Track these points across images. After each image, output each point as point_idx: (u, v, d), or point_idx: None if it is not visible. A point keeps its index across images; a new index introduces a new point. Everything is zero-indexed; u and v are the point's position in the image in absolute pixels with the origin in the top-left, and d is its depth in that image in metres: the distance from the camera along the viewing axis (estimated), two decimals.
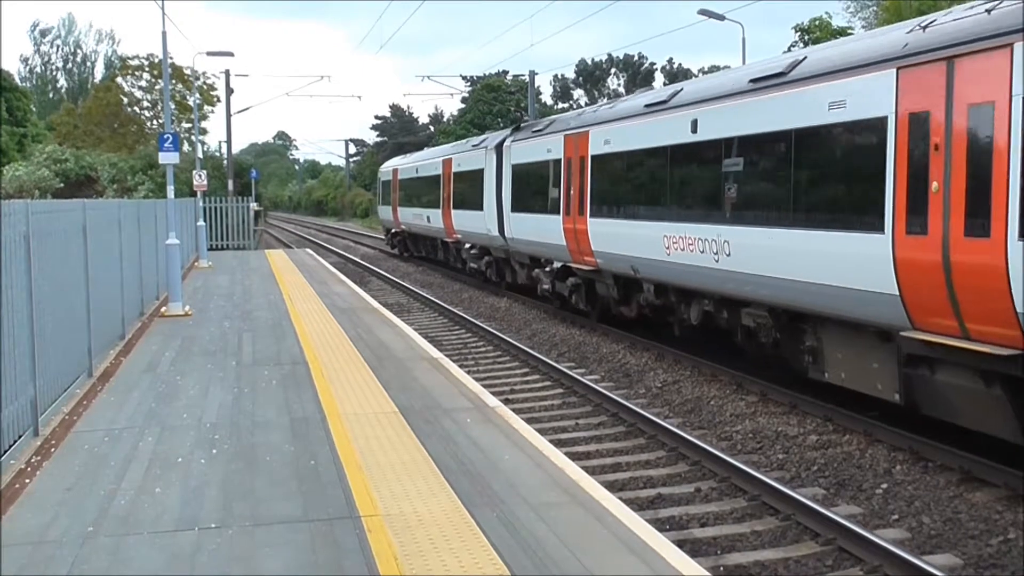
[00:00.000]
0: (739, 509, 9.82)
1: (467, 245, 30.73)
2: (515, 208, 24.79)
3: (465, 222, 30.23)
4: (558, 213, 21.13)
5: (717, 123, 14.65)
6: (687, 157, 15.85)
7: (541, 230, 22.49)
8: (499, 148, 26.65)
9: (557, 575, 6.20)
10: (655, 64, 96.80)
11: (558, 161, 21.37)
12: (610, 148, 18.70)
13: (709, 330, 16.36)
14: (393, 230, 46.32)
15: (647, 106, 17.65)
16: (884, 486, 10.30)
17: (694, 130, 15.41)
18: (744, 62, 33.03)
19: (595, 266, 19.50)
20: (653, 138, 17.02)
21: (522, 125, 26.98)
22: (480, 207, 27.86)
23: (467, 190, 29.94)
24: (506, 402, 12.55)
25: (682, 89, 16.94)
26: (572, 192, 20.41)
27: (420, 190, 37.87)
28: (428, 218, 35.70)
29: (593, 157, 19.37)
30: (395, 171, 44.38)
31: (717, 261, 14.48)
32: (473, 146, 30.43)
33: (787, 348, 13.66)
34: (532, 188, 23.58)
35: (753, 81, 13.83)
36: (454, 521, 7.17)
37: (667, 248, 16.08)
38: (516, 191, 24.84)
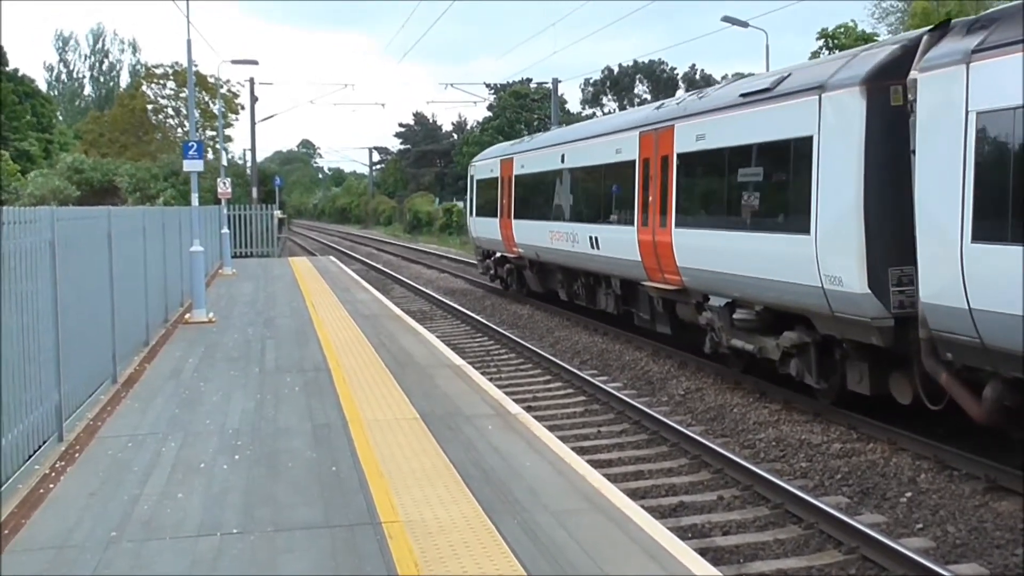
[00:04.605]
0: (762, 517, 9.77)
1: (718, 302, 15.53)
2: None
3: (724, 256, 15.00)
4: None
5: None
6: None
7: None
8: (882, 79, 11.67)
9: None
10: (676, 71, 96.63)
11: None
12: None
13: None
14: (500, 254, 29.99)
15: None
16: (908, 495, 10.22)
17: None
18: (768, 69, 32.91)
19: None
20: None
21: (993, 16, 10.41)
22: (791, 224, 13.16)
23: (738, 190, 14.77)
24: (528, 409, 12.54)
25: None
26: None
27: (570, 191, 23.11)
28: (594, 241, 20.83)
29: None
30: (506, 162, 28.83)
31: None
32: (760, 93, 14.20)
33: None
34: None
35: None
36: (475, 527, 7.16)
37: None
38: None
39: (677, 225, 16.65)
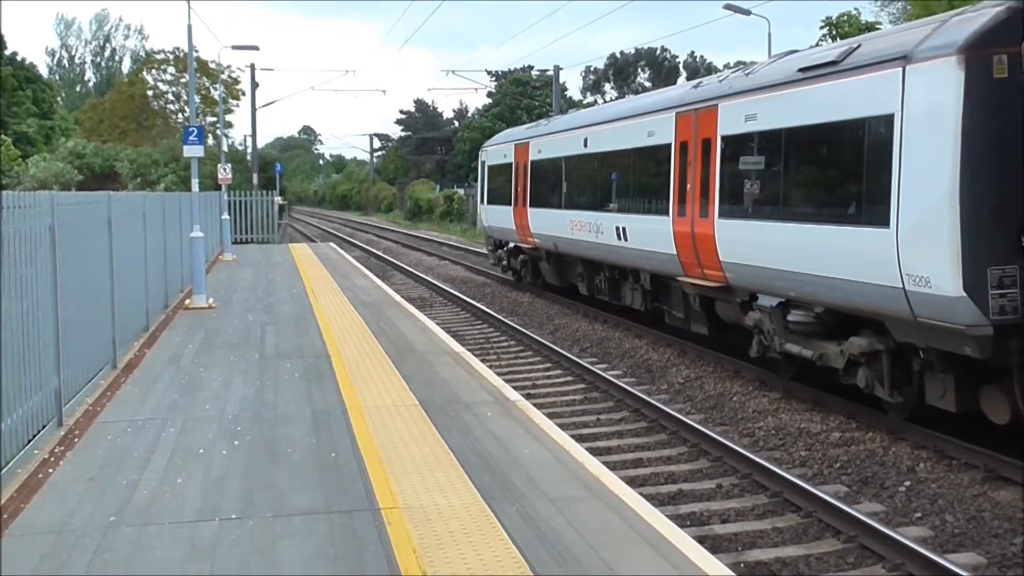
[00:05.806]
0: (760, 506, 9.78)
1: (769, 302, 13.91)
2: None
3: (778, 251, 13.31)
4: None
5: None
6: None
7: None
8: (984, 47, 10.03)
9: (576, 570, 6.18)
10: (678, 59, 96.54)
11: None
12: None
13: None
14: (513, 244, 28.27)
15: None
16: (907, 484, 10.23)
17: None
18: (770, 57, 32.77)
19: None
20: None
21: None
22: (865, 215, 11.56)
23: (798, 176, 13.51)
24: (527, 396, 12.54)
25: None
26: None
27: (594, 178, 21.43)
28: (621, 232, 19.05)
29: None
30: (521, 147, 26.87)
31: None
32: (825, 67, 12.49)
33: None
34: None
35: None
36: (473, 514, 7.17)
37: None
38: None
39: (720, 215, 14.83)
